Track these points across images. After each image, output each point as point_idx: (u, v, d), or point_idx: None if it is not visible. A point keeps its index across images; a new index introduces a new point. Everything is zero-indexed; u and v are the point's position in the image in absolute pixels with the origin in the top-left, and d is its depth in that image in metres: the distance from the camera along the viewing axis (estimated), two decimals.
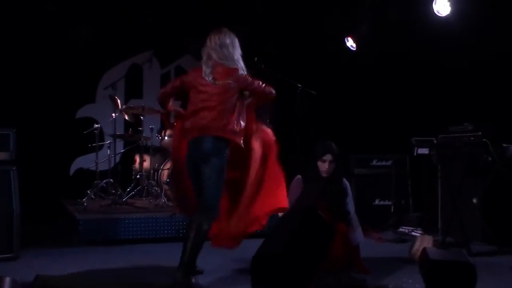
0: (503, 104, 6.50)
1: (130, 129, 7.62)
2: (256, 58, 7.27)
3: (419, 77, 7.62)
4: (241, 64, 4.34)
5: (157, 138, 7.44)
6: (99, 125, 7.31)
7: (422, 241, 5.30)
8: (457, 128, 6.25)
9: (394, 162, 7.38)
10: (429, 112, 7.35)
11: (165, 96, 4.62)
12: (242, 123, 4.27)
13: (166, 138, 7.33)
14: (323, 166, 4.84)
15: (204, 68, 4.29)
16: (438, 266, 2.20)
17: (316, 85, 7.30)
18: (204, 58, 4.33)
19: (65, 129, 7.93)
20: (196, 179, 4.27)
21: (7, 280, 2.40)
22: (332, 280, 4.06)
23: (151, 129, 7.38)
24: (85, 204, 6.66)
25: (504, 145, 5.77)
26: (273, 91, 4.46)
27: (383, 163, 7.49)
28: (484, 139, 5.64)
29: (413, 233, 6.60)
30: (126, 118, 7.53)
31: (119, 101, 7.34)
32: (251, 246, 4.06)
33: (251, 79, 4.32)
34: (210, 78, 4.21)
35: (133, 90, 8.62)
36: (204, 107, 4.21)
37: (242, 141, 4.28)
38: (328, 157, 4.84)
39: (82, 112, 8.32)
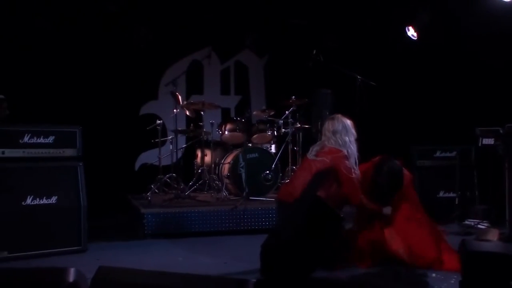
0: None
1: (192, 124, 7.75)
2: (314, 51, 7.28)
3: (483, 65, 7.36)
4: (351, 148, 4.64)
5: (217, 132, 7.55)
6: (161, 121, 7.47)
7: (487, 234, 5.17)
8: None
9: (459, 153, 7.18)
10: (496, 101, 7.10)
11: None
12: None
13: (226, 132, 7.42)
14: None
15: (311, 147, 4.80)
16: (474, 257, 2.14)
17: (376, 76, 7.22)
18: (319, 141, 4.87)
19: (130, 126, 8.16)
20: None
21: (72, 271, 2.50)
22: (388, 272, 4.01)
23: (212, 124, 7.49)
24: (149, 198, 6.84)
25: None
26: (360, 199, 4.60)
27: (447, 154, 7.29)
28: None
29: (479, 226, 6.41)
30: (187, 113, 7.68)
31: (180, 97, 7.50)
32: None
33: (347, 168, 4.53)
34: (312, 155, 4.66)
35: (194, 86, 8.77)
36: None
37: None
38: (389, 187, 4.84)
39: (145, 109, 8.55)
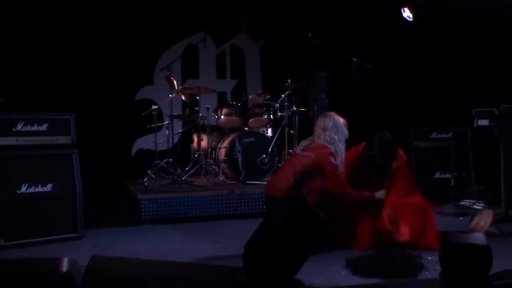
0: None
1: (187, 109, 7.73)
2: (310, 34, 7.24)
3: (479, 46, 7.35)
4: (339, 147, 4.67)
5: (213, 117, 7.53)
6: (157, 106, 7.45)
7: (482, 215, 5.19)
8: None
9: (455, 134, 7.20)
10: (491, 82, 7.11)
11: None
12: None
13: (222, 116, 7.41)
14: (377, 160, 4.92)
15: (301, 142, 4.94)
16: (452, 249, 2.16)
17: (372, 58, 7.20)
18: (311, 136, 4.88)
19: (126, 111, 8.11)
20: None
21: (65, 260, 2.51)
22: (383, 255, 4.03)
23: (207, 109, 7.47)
24: (146, 184, 6.84)
25: None
26: (348, 192, 4.66)
27: (443, 135, 7.32)
28: None
29: (474, 207, 6.46)
30: (183, 98, 7.66)
31: (175, 82, 7.46)
32: None
33: (332, 164, 4.58)
34: (299, 150, 4.75)
35: (189, 70, 8.71)
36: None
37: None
38: (381, 158, 4.89)
39: (141, 94, 8.49)
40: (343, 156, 4.72)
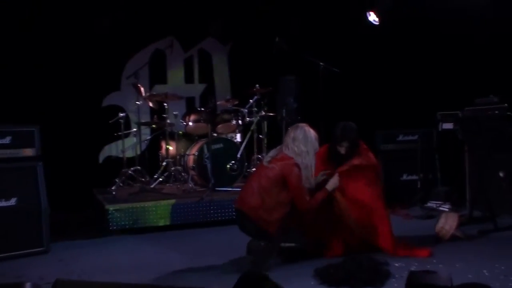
0: None
1: (155, 115, 7.68)
2: (277, 38, 7.25)
3: (443, 49, 7.45)
4: (306, 159, 4.60)
5: (181, 123, 7.49)
6: (124, 114, 7.39)
7: (447, 218, 5.25)
8: (483, 100, 6.12)
9: (420, 137, 7.30)
10: (456, 85, 7.21)
11: None
12: (276, 214, 4.49)
13: (190, 123, 7.38)
14: (341, 150, 4.94)
15: (269, 152, 4.84)
16: None
17: (339, 62, 7.24)
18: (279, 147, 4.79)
19: (93, 118, 8.02)
20: None
21: (28, 285, 2.47)
22: (350, 263, 4.06)
23: (175, 115, 7.43)
24: (113, 192, 6.78)
25: None
26: (307, 206, 4.61)
27: (410, 137, 7.42)
28: (508, 113, 5.52)
29: (440, 208, 6.55)
30: (151, 105, 7.61)
31: (142, 88, 7.42)
32: None
33: (296, 176, 4.51)
34: (266, 161, 4.67)
35: (157, 75, 8.65)
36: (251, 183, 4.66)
37: (272, 230, 4.50)
38: (345, 144, 4.90)
39: (108, 100, 8.41)
40: (313, 169, 4.67)
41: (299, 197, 4.51)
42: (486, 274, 4.02)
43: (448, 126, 6.06)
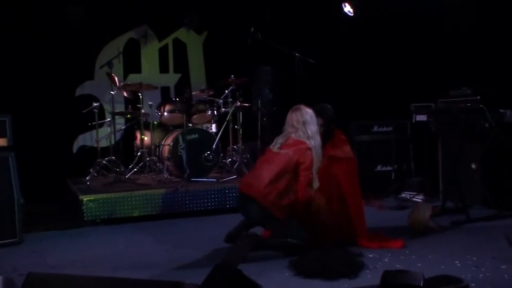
0: (501, 69, 6.43)
1: (130, 105, 7.61)
2: (252, 28, 7.22)
3: (419, 41, 7.51)
4: (317, 139, 4.56)
5: (156, 114, 7.44)
6: (98, 104, 7.30)
7: (421, 210, 5.32)
8: (457, 92, 6.22)
9: (395, 128, 7.37)
10: (431, 76, 7.28)
11: None
12: (286, 199, 4.45)
13: (165, 113, 7.32)
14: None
15: (275, 139, 4.66)
16: None
17: (315, 53, 7.25)
18: (284, 132, 4.66)
19: (66, 107, 7.93)
20: None
21: (1, 279, 2.43)
22: (325, 255, 4.09)
23: (150, 105, 7.38)
24: (88, 183, 6.72)
25: (501, 110, 5.73)
26: (308, 193, 4.58)
27: (384, 129, 7.48)
28: (481, 105, 5.61)
29: (414, 199, 6.63)
30: (125, 95, 7.54)
31: (116, 78, 7.34)
32: None
33: (309, 163, 4.48)
34: (276, 147, 4.55)
35: (131, 64, 8.57)
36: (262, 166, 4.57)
37: (280, 215, 4.44)
38: (319, 121, 4.86)
39: (81, 90, 8.30)
40: (321, 148, 4.63)
41: (304, 184, 4.48)
42: (458, 265, 4.08)
43: (421, 117, 6.12)
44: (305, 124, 4.54)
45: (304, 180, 4.49)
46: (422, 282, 2.19)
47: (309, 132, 4.53)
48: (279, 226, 4.46)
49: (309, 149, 4.50)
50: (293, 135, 4.56)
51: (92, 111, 7.25)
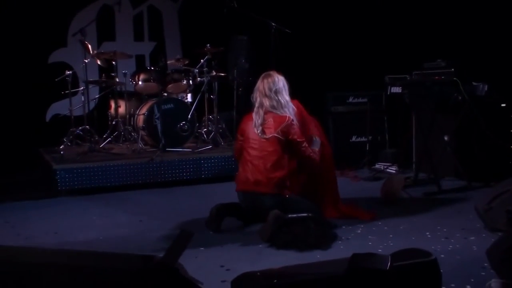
0: (475, 42, 6.48)
1: (104, 74, 7.49)
2: None
3: (395, 12, 7.50)
4: (289, 109, 4.38)
5: (131, 82, 7.35)
6: (71, 72, 7.18)
7: (393, 181, 5.40)
8: (431, 65, 6.24)
9: (370, 99, 7.38)
10: (406, 48, 7.29)
11: (237, 152, 4.67)
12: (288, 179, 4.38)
13: (140, 82, 7.24)
14: None
15: (255, 118, 4.38)
16: (362, 273, 2.23)
17: (291, 23, 7.18)
18: (256, 105, 4.40)
19: (39, 75, 7.80)
20: None
21: None
22: (298, 226, 4.11)
23: (125, 74, 7.28)
24: (61, 152, 6.65)
25: (474, 83, 5.78)
26: (314, 157, 4.46)
27: (359, 100, 7.49)
28: (454, 78, 5.65)
29: (388, 170, 6.71)
30: (99, 63, 7.42)
31: (90, 46, 7.20)
32: None
33: (298, 134, 4.36)
34: (259, 131, 4.33)
35: (105, 32, 8.43)
36: (258, 159, 4.33)
37: (286, 192, 4.37)
38: None
39: (54, 57, 8.16)
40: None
41: (304, 148, 4.38)
42: (429, 236, 4.16)
43: (396, 89, 6.13)
44: (277, 93, 4.34)
45: (306, 150, 4.39)
46: (388, 266, 2.22)
47: (282, 101, 4.35)
48: (293, 205, 4.32)
49: (292, 120, 4.35)
50: (269, 108, 4.35)
51: (65, 80, 7.13)
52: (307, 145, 4.42)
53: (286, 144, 4.36)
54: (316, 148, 4.54)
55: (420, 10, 7.20)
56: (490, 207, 4.15)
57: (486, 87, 5.82)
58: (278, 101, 4.35)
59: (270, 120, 4.35)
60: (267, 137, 4.33)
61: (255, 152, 4.37)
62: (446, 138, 5.94)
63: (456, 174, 6.03)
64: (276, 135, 4.31)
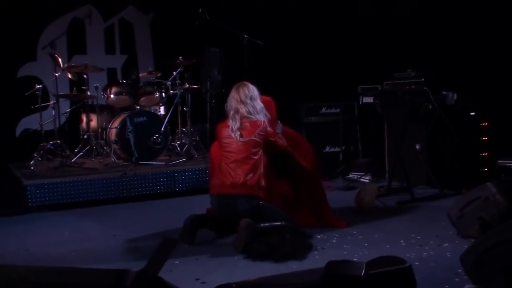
0: (444, 52, 6.59)
1: (75, 87, 7.41)
2: (200, 9, 7.13)
3: (366, 23, 7.60)
4: (263, 115, 4.59)
5: (102, 96, 7.27)
6: (41, 85, 7.07)
7: (367, 190, 5.43)
8: (401, 75, 6.31)
9: (343, 110, 7.44)
10: (377, 58, 7.38)
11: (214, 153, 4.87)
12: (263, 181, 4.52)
13: (112, 95, 7.18)
14: None
15: (231, 124, 4.55)
16: (338, 281, 2.24)
17: (264, 35, 7.23)
18: (232, 112, 4.58)
19: (7, 89, 7.68)
20: None
21: None
22: (273, 237, 4.11)
23: (96, 87, 7.21)
24: (32, 167, 6.54)
25: (444, 92, 5.88)
26: (283, 144, 4.71)
27: (332, 110, 7.54)
28: (424, 88, 5.73)
29: (361, 179, 6.75)
30: (70, 76, 7.34)
31: (60, 59, 7.10)
32: None
33: (273, 134, 4.60)
34: (237, 135, 4.49)
35: (76, 45, 8.32)
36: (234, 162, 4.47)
37: (261, 194, 4.49)
38: None
39: (23, 71, 8.03)
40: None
41: (276, 141, 4.62)
42: (403, 244, 4.20)
43: (368, 99, 6.18)
44: (252, 99, 4.58)
45: (278, 142, 4.63)
46: (363, 272, 2.23)
47: (258, 107, 4.58)
48: (267, 211, 4.43)
49: (265, 124, 4.55)
50: (245, 114, 4.53)
51: (35, 94, 7.02)
52: (277, 138, 4.64)
53: (264, 144, 4.55)
54: (279, 131, 4.74)
55: (390, 21, 7.31)
56: (462, 214, 4.20)
57: (455, 96, 5.94)
58: (254, 107, 4.57)
59: (247, 125, 4.53)
60: (245, 140, 4.49)
61: (232, 155, 4.50)
62: (417, 146, 6.01)
63: (428, 182, 6.10)
64: (253, 138, 4.48)
